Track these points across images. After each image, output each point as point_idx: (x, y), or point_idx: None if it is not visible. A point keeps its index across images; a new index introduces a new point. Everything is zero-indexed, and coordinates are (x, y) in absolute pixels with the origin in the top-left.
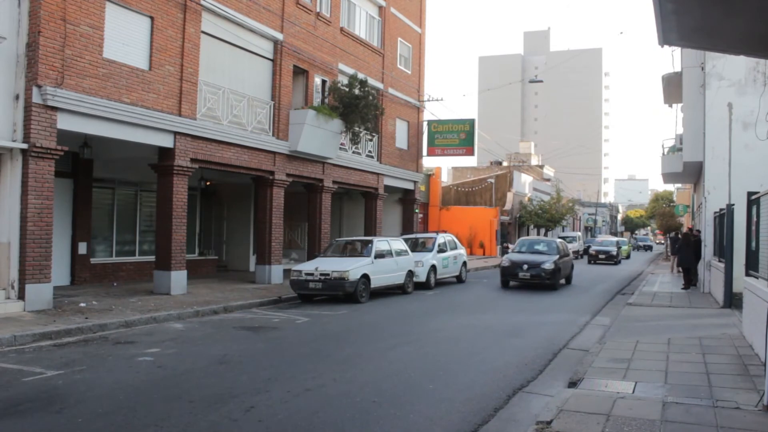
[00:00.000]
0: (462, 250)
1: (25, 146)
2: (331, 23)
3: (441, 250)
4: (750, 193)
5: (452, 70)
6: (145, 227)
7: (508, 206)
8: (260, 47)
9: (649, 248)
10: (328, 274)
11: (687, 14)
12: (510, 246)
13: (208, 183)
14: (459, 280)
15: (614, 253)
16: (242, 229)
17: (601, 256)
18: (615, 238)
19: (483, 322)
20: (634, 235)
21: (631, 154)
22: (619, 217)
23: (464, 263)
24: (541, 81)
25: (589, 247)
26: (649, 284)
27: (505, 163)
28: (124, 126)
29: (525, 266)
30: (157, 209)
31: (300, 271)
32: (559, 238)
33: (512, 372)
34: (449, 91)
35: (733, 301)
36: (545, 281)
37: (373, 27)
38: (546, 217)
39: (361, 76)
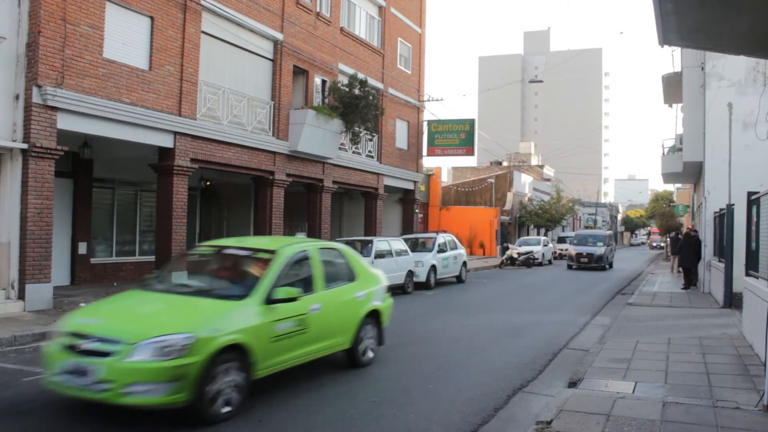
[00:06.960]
0: (462, 250)
1: (25, 146)
2: (331, 23)
3: (441, 250)
4: (750, 193)
5: (452, 70)
6: (145, 227)
7: (508, 206)
8: (260, 47)
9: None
10: None
11: (687, 14)
12: (510, 246)
13: (208, 183)
14: (459, 280)
15: None
16: (242, 229)
17: None
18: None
19: (483, 322)
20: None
21: (631, 154)
22: (619, 217)
23: (464, 263)
24: (541, 81)
25: None
26: (649, 284)
27: (505, 163)
28: (124, 126)
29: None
30: (157, 209)
31: None
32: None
33: (512, 372)
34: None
35: (733, 301)
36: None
37: (373, 27)
38: (546, 217)
39: (361, 76)
